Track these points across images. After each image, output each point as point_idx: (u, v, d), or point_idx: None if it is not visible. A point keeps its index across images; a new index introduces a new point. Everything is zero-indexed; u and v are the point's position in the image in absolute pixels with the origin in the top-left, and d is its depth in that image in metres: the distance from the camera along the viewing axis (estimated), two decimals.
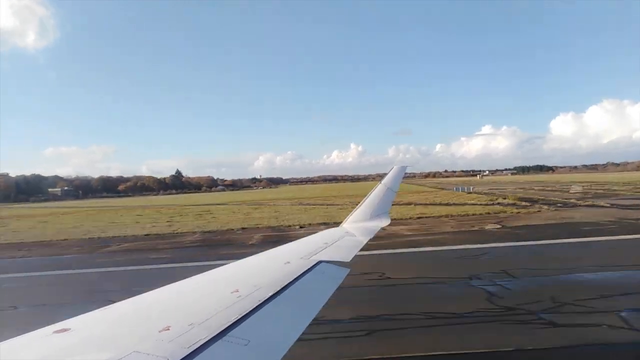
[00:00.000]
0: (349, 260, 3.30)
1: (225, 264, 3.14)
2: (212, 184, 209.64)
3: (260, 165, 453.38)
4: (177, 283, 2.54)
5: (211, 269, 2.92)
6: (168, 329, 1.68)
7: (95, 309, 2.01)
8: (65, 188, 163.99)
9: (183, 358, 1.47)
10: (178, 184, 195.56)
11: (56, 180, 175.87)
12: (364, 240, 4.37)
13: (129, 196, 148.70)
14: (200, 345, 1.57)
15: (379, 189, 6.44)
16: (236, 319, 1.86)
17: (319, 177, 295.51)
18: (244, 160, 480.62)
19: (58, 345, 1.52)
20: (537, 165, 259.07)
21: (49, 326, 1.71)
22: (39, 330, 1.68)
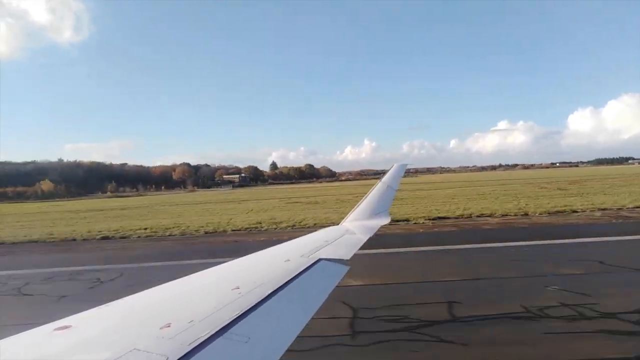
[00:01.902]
0: (348, 259, 3.31)
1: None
2: (331, 174, 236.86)
3: (273, 161, 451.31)
4: (177, 280, 2.54)
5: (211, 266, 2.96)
6: (169, 326, 1.69)
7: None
8: (243, 175, 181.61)
9: (184, 355, 1.47)
10: (315, 173, 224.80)
11: (211, 169, 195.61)
12: (364, 238, 4.38)
13: (285, 184, 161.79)
14: (201, 343, 1.58)
15: (379, 187, 6.45)
16: (237, 316, 1.86)
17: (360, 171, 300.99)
18: (257, 156, 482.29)
19: (59, 343, 1.53)
20: (616, 158, 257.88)
21: (51, 323, 1.72)
22: (40, 327, 1.69)
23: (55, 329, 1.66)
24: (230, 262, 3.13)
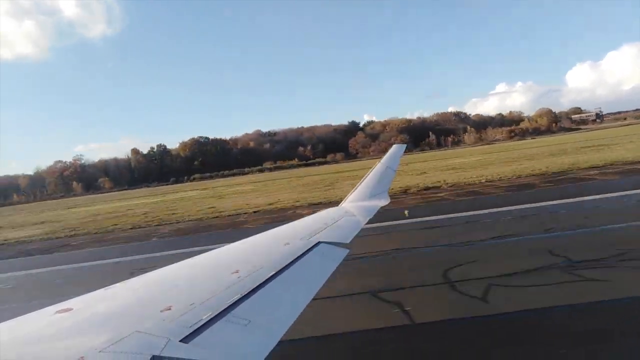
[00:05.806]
0: (348, 242, 3.32)
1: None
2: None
3: None
4: (178, 263, 2.57)
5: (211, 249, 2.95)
6: (169, 309, 1.71)
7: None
8: (599, 112, 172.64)
9: (184, 337, 1.49)
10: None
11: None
12: (364, 220, 4.40)
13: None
14: (202, 325, 1.60)
15: (378, 168, 6.44)
16: (237, 299, 1.89)
17: None
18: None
19: (60, 325, 1.55)
20: None
21: (52, 306, 1.74)
22: (41, 310, 1.70)
23: (57, 312, 1.67)
24: (230, 245, 3.15)
